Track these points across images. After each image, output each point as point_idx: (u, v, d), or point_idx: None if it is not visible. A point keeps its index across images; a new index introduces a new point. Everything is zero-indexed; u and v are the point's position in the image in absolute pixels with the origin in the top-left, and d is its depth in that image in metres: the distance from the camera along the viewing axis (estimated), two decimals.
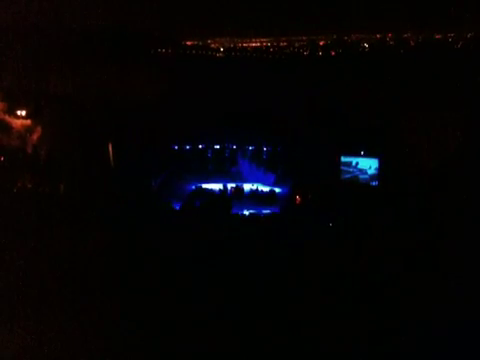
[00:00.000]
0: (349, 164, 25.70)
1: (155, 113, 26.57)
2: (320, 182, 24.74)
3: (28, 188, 24.03)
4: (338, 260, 15.68)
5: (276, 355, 12.05)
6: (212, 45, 35.69)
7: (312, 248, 16.93)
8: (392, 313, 12.89)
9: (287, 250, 16.88)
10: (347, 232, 18.92)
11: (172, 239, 17.63)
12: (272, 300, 13.87)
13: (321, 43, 35.15)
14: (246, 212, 24.45)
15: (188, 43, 35.31)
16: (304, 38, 35.20)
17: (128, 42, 30.15)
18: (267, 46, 35.66)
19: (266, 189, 27.46)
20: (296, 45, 35.22)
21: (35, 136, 26.19)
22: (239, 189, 27.27)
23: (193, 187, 27.55)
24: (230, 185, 27.36)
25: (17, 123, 26.36)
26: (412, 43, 33.75)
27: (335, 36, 34.88)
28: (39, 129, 26.25)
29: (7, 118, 26.20)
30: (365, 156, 25.40)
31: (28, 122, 26.48)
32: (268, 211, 24.63)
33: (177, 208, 24.16)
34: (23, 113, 26.57)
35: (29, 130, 26.28)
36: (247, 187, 27.59)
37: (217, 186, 27.27)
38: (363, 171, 25.46)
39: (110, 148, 25.80)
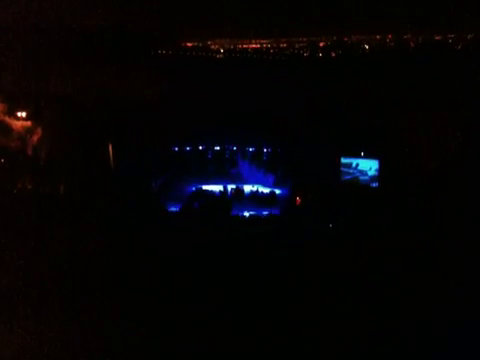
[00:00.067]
0: (349, 165, 25.65)
1: (155, 114, 26.57)
2: (320, 183, 24.72)
3: (28, 189, 24.03)
4: (338, 261, 15.70)
5: (276, 355, 12.05)
6: (212, 46, 35.72)
7: (312, 249, 16.94)
8: (392, 313, 12.91)
9: (287, 251, 16.90)
10: (347, 233, 18.93)
11: (172, 240, 17.66)
12: (272, 300, 13.89)
13: (321, 44, 35.16)
14: (246, 213, 24.41)
15: (188, 44, 35.35)
16: (304, 39, 35.21)
17: (128, 43, 30.17)
18: (267, 47, 35.66)
19: (266, 190, 27.42)
20: (296, 46, 35.22)
21: (35, 137, 26.17)
22: (239, 190, 27.22)
23: (193, 188, 27.53)
24: (230, 186, 27.33)
25: (17, 124, 26.35)
26: (412, 44, 33.76)
27: (335, 37, 34.88)
28: (39, 130, 26.23)
29: (7, 119, 26.19)
30: (365, 157, 25.37)
31: (28, 123, 26.47)
32: (268, 212, 24.60)
33: (173, 210, 24.20)
34: (23, 114, 26.56)
35: (29, 131, 26.27)
36: (247, 188, 27.55)
37: (217, 187, 27.25)
38: (363, 172, 25.41)
39: (110, 149, 25.78)
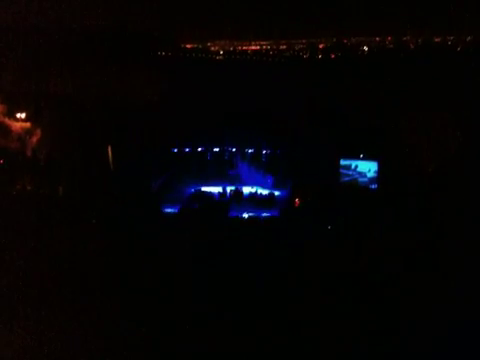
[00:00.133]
0: (348, 167, 25.66)
1: (155, 115, 26.58)
2: (319, 185, 24.73)
3: (28, 190, 24.02)
4: (337, 262, 15.72)
5: (276, 355, 12.05)
6: (212, 48, 35.74)
7: (311, 250, 16.96)
8: (392, 313, 12.92)
9: (287, 252, 16.92)
10: (346, 234, 18.94)
11: (171, 241, 17.67)
12: (272, 300, 13.90)
13: (321, 46, 35.19)
14: (245, 215, 24.39)
15: (188, 46, 35.37)
16: (304, 41, 35.25)
17: (128, 43, 30.16)
18: (267, 49, 35.68)
19: (265, 192, 27.40)
20: (296, 48, 35.27)
21: (35, 138, 26.16)
22: (238, 192, 27.20)
23: (192, 190, 27.51)
24: (229, 188, 27.30)
25: (17, 125, 26.35)
26: (411, 46, 33.82)
27: (335, 39, 34.91)
28: (39, 131, 26.22)
29: (7, 120, 26.19)
30: (364, 159, 25.38)
31: (28, 124, 26.46)
32: (267, 214, 24.59)
33: (171, 211, 24.19)
34: (23, 115, 26.55)
35: (29, 132, 26.26)
36: (246, 190, 27.53)
37: (216, 189, 27.23)
38: (362, 174, 25.42)
39: (109, 150, 25.77)
